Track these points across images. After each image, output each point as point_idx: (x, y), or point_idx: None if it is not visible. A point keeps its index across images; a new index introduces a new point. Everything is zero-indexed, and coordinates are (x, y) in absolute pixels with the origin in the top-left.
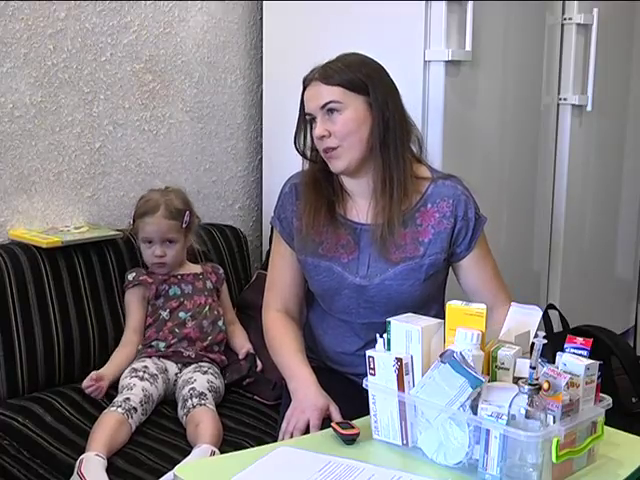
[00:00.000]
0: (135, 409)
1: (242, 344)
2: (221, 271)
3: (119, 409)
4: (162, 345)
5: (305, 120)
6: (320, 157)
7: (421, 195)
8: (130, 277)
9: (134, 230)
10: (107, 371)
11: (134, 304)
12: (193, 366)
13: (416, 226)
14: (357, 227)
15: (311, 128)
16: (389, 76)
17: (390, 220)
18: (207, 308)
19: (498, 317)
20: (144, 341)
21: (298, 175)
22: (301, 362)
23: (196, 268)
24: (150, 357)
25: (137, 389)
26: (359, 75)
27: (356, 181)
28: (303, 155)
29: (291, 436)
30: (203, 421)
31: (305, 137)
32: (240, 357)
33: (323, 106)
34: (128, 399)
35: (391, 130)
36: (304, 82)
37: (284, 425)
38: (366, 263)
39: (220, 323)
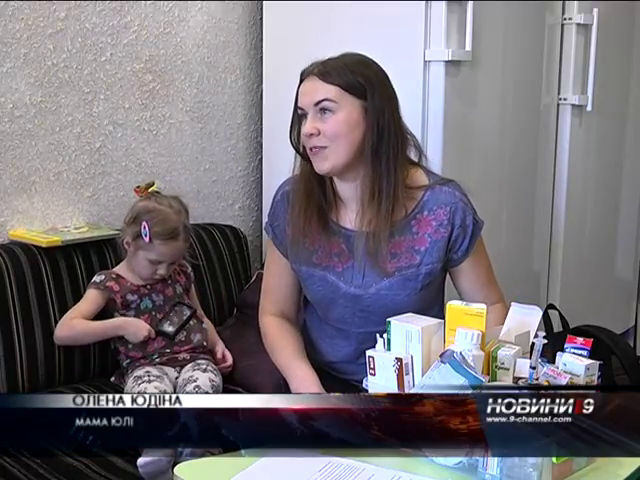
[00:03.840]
0: None
1: (214, 341)
2: (190, 270)
3: None
4: (154, 356)
5: (298, 114)
6: None
7: (417, 202)
8: (98, 279)
9: (136, 243)
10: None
11: (95, 300)
12: (191, 364)
13: (412, 234)
14: (350, 234)
15: (300, 123)
16: (390, 82)
17: (376, 233)
18: None
19: (489, 317)
20: (131, 359)
21: (289, 182)
22: (301, 361)
23: None
24: (146, 366)
25: (150, 390)
26: (359, 78)
27: (346, 185)
28: (297, 150)
29: None
30: None
31: (299, 132)
32: (218, 356)
33: (317, 103)
34: None
35: (385, 139)
36: (302, 75)
37: None
38: (361, 272)
39: (204, 325)
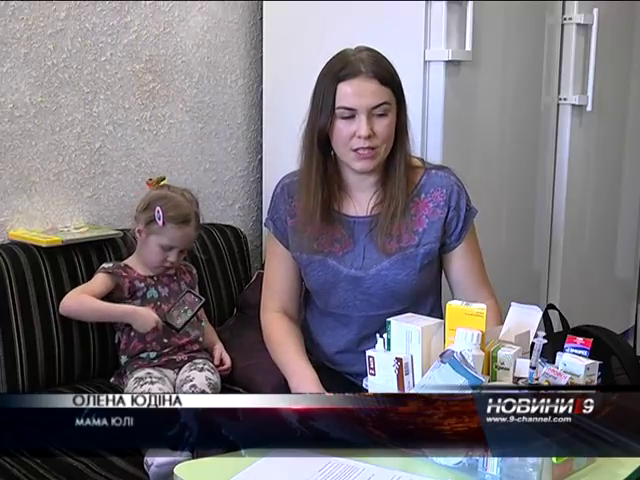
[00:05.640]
0: None
1: (212, 342)
2: (194, 271)
3: None
4: (153, 355)
5: (333, 113)
6: (326, 151)
7: (415, 185)
8: (106, 266)
9: (148, 229)
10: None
11: (104, 282)
12: (188, 365)
13: (410, 216)
14: (351, 220)
15: (331, 121)
16: None
17: (396, 207)
18: None
19: None
20: (130, 352)
21: (289, 175)
22: (301, 359)
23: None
24: (145, 367)
25: (154, 391)
26: (396, 76)
27: (365, 176)
28: (325, 148)
29: None
30: None
31: (324, 127)
32: (215, 362)
33: (376, 106)
34: None
35: (405, 126)
36: (345, 74)
37: None
38: (361, 254)
39: (204, 324)
